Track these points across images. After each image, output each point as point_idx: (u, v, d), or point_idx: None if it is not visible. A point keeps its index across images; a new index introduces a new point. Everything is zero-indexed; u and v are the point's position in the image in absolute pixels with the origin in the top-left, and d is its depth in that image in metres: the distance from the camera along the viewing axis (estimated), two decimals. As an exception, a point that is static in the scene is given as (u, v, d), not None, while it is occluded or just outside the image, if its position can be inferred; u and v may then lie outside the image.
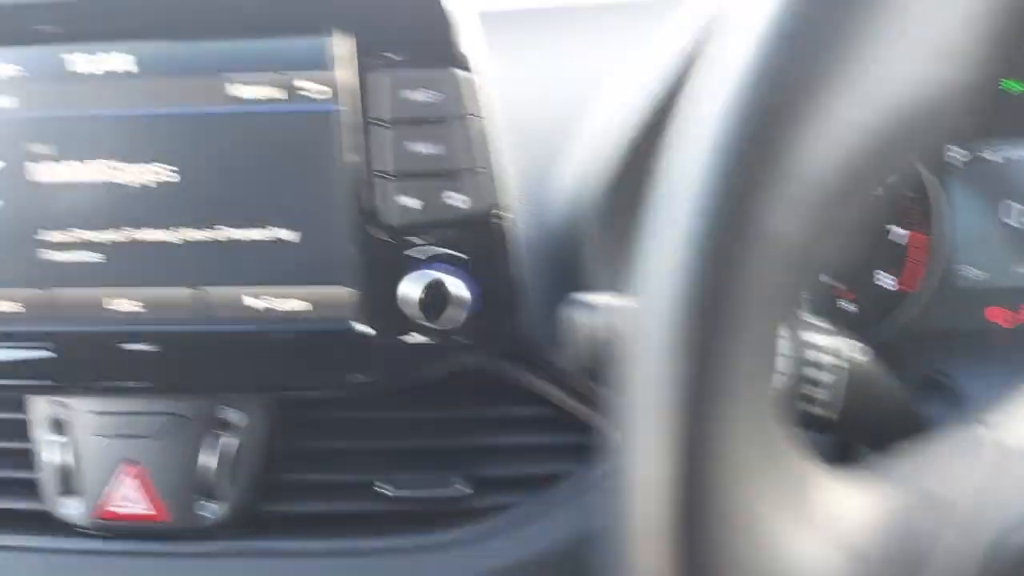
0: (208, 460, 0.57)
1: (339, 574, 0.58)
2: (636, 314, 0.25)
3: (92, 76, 0.52)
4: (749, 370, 0.24)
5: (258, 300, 0.54)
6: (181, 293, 0.54)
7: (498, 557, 0.58)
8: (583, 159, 0.58)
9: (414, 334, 0.52)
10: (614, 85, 0.66)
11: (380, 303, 0.52)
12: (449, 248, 0.51)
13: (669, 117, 0.50)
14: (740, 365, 0.24)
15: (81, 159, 0.53)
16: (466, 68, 0.49)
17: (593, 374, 0.38)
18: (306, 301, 0.54)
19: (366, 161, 0.50)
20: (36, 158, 0.54)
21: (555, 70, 0.72)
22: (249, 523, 0.59)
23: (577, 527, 0.58)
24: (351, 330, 0.53)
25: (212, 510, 0.58)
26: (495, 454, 0.60)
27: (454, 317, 0.51)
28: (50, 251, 0.55)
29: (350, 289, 0.53)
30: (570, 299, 0.39)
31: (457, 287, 0.51)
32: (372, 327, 0.53)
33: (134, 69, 0.52)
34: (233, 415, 0.58)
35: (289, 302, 0.54)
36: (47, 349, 0.55)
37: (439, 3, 0.49)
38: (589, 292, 0.40)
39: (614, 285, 0.55)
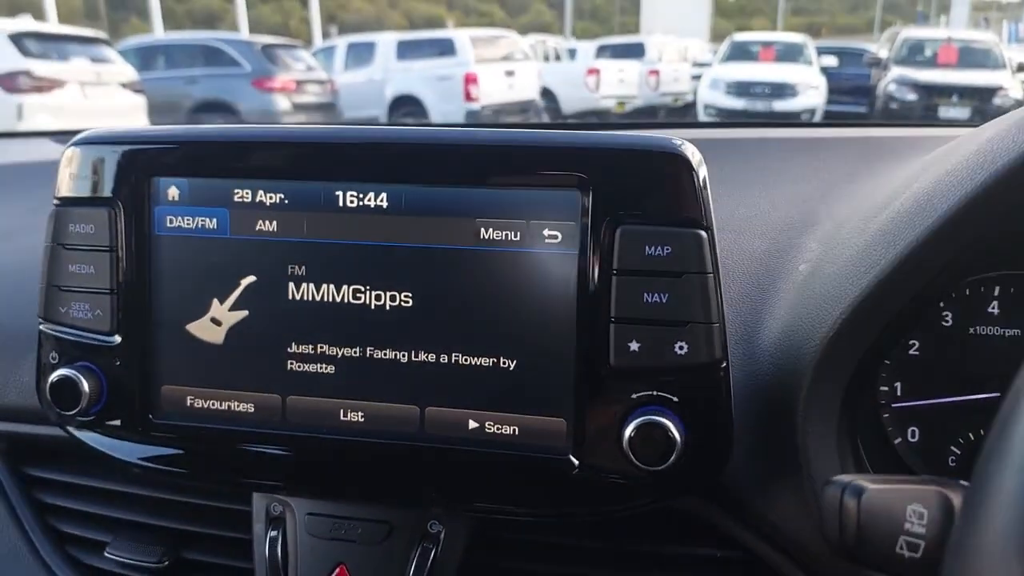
0: (412, 570, 0.61)
1: None
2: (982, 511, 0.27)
3: (353, 210, 0.58)
4: None
5: (479, 424, 0.58)
6: (406, 410, 0.59)
7: None
8: (792, 308, 0.62)
9: (625, 470, 0.55)
10: (813, 228, 0.70)
11: (595, 438, 0.56)
12: (667, 393, 0.55)
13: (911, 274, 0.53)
14: None
15: (331, 282, 0.59)
16: (703, 228, 0.53)
17: (853, 555, 0.40)
18: (525, 429, 0.57)
19: (600, 306, 0.55)
20: (293, 278, 0.59)
21: (752, 205, 0.77)
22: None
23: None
24: (566, 460, 0.56)
25: (409, 618, 0.61)
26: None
27: (664, 458, 0.54)
28: (292, 362, 0.60)
29: (568, 422, 0.56)
30: (835, 481, 0.42)
31: (670, 429, 0.54)
32: (585, 460, 0.56)
33: (393, 207, 0.58)
34: (438, 528, 0.62)
35: (509, 428, 0.57)
36: (277, 450, 0.60)
37: (679, 166, 0.54)
38: (851, 476, 0.42)
39: (830, 435, 0.57)
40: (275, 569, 0.63)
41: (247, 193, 0.60)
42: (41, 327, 0.63)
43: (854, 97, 13.33)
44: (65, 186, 0.62)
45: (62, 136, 1.43)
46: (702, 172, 0.54)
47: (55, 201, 0.62)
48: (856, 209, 0.68)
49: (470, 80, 11.78)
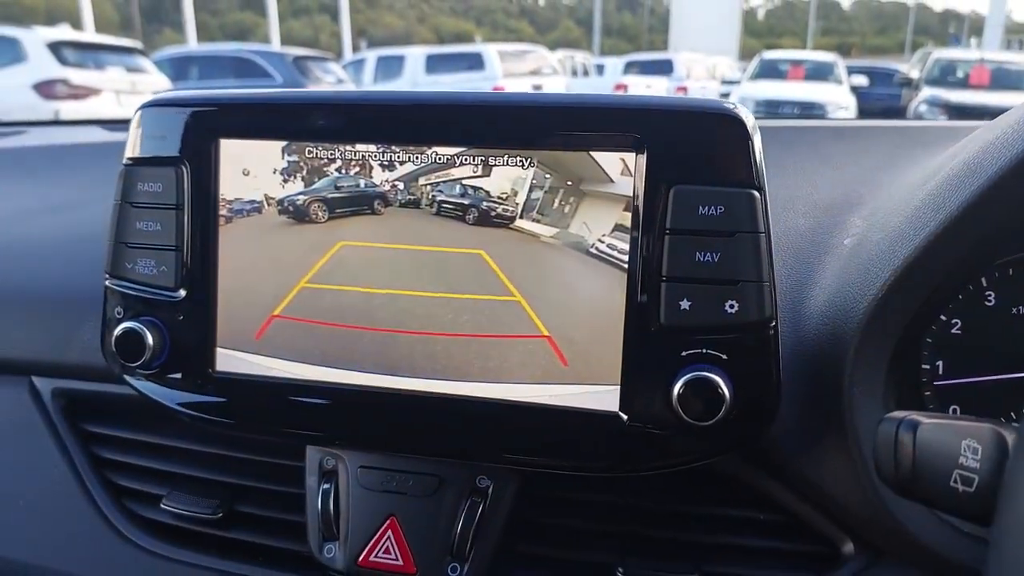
0: (461, 523, 0.62)
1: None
2: None
3: (423, 168, 0.60)
4: None
5: (535, 381, 0.59)
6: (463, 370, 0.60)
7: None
8: (838, 276, 0.63)
9: (674, 426, 0.56)
10: (857, 207, 0.72)
11: (645, 394, 0.57)
12: (716, 350, 0.56)
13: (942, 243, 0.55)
14: None
15: (389, 242, 0.61)
16: (755, 188, 0.55)
17: (908, 490, 0.41)
18: (577, 386, 0.58)
19: (652, 266, 0.56)
20: (361, 249, 0.61)
21: (793, 187, 0.78)
22: (487, 587, 0.64)
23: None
24: (616, 416, 0.57)
25: (457, 570, 0.63)
26: (728, 553, 0.63)
27: (712, 413, 0.55)
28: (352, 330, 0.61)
29: (618, 380, 0.58)
30: (889, 417, 0.43)
31: (719, 386, 0.55)
32: (635, 416, 0.57)
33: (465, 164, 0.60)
34: (486, 483, 0.63)
35: (562, 387, 0.59)
36: (331, 403, 0.62)
37: (734, 129, 0.55)
38: (905, 412, 0.43)
39: (876, 399, 0.58)
40: (327, 520, 0.64)
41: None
42: (107, 283, 0.65)
43: (885, 118, 13.26)
44: (134, 146, 0.64)
45: (111, 124, 1.47)
46: (756, 134, 0.55)
47: (125, 161, 0.65)
48: (901, 186, 0.69)
49: (498, 94, 11.85)
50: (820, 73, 12.95)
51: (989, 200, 0.53)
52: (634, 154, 0.56)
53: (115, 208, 0.65)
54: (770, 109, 11.47)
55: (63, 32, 9.40)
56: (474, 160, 0.59)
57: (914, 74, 13.26)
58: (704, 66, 17.00)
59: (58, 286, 0.82)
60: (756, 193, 0.55)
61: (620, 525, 0.64)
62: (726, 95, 13.97)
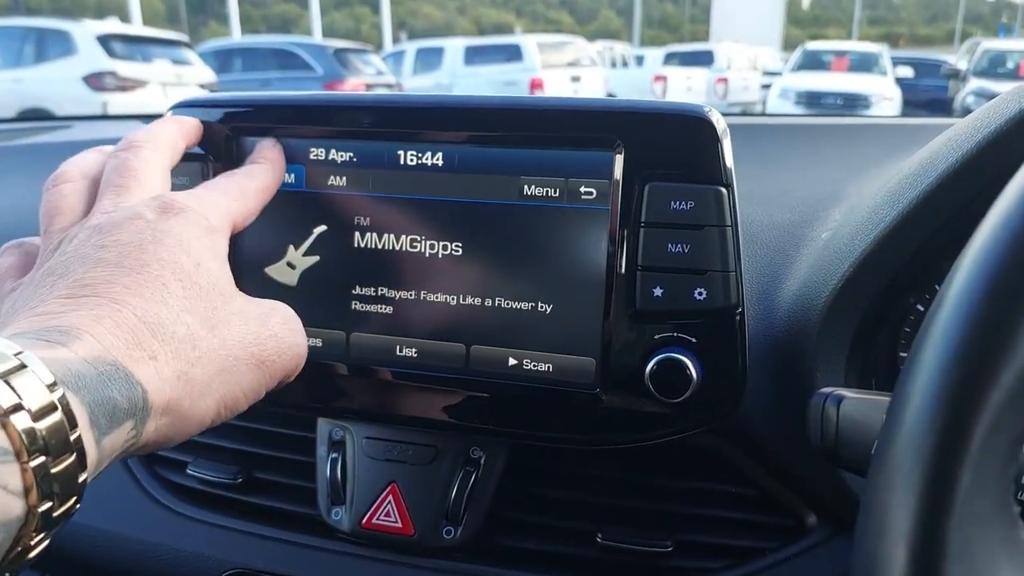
0: (455, 490, 0.68)
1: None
2: (895, 417, 0.31)
3: (413, 168, 0.66)
4: (994, 477, 0.27)
5: (518, 362, 0.64)
6: (454, 348, 0.66)
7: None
8: (810, 267, 0.67)
9: (647, 403, 0.61)
10: (841, 202, 0.76)
11: (621, 374, 0.62)
12: (686, 334, 0.61)
13: (899, 237, 0.59)
14: (986, 471, 0.27)
15: (392, 232, 0.66)
16: (723, 185, 0.59)
17: (834, 457, 0.46)
18: (559, 366, 0.64)
19: (628, 256, 0.61)
20: (358, 228, 0.67)
21: (787, 182, 0.82)
22: (478, 551, 0.69)
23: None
24: (594, 394, 0.63)
25: (452, 532, 0.68)
26: (700, 523, 0.68)
27: (680, 392, 0.60)
28: (356, 302, 0.67)
29: (597, 360, 0.63)
30: (819, 392, 0.48)
31: (688, 366, 0.59)
32: (612, 393, 0.62)
33: (447, 165, 0.65)
34: (479, 454, 0.69)
35: (544, 365, 0.64)
36: (339, 381, 0.68)
37: (705, 130, 0.59)
38: (834, 387, 0.48)
39: (838, 382, 0.63)
40: (335, 486, 0.71)
41: (321, 152, 0.67)
42: None
43: (930, 110, 13.02)
44: None
45: (149, 119, 1.55)
46: (725, 135, 0.60)
47: None
48: (875, 182, 0.73)
49: (536, 85, 11.88)
50: (864, 64, 12.75)
51: (937, 199, 0.57)
52: (613, 153, 0.61)
53: None
54: (812, 100, 11.32)
55: (112, 25, 9.64)
56: (471, 160, 0.65)
57: (962, 65, 13.00)
58: (746, 57, 16.81)
59: None
60: (723, 190, 0.59)
61: (601, 496, 0.70)
62: (768, 86, 13.81)
